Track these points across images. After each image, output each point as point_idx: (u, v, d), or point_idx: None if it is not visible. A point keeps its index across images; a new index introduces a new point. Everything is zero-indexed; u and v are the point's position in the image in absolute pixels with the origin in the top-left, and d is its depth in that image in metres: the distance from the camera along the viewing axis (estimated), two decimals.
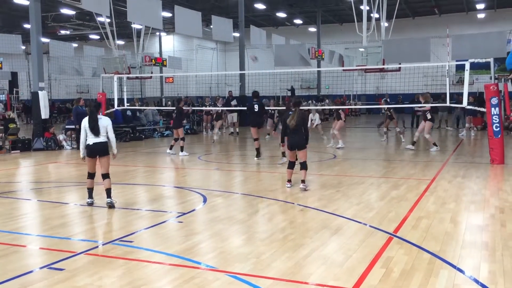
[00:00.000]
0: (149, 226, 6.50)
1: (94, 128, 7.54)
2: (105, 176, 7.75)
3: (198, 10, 22.00)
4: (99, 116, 7.67)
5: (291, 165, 9.04)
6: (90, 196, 7.88)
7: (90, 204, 7.76)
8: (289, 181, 9.04)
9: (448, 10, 36.28)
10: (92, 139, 7.60)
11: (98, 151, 7.64)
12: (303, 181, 8.76)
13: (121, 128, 19.72)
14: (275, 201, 7.97)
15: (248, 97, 26.55)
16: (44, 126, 16.62)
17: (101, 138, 7.63)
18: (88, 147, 7.64)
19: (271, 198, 8.19)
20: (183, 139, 14.32)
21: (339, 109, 16.83)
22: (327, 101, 33.91)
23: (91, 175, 7.83)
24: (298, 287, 4.33)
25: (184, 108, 15.33)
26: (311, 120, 16.32)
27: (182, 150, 14.20)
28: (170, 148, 14.58)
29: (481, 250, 5.31)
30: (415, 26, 36.83)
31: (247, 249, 5.44)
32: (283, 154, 11.44)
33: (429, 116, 14.42)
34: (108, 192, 7.68)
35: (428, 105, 14.66)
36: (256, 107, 13.05)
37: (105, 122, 7.68)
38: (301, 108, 9.29)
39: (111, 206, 7.57)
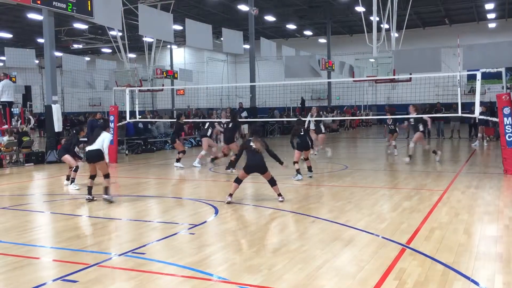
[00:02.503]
0: (161, 238, 6.53)
1: (89, 139, 9.29)
2: (104, 176, 9.11)
3: (209, 23, 22.20)
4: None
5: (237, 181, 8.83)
6: (89, 193, 9.21)
7: (89, 200, 9.11)
8: (231, 195, 8.77)
9: (459, 20, 36.20)
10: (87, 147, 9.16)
11: (89, 158, 9.11)
12: (279, 195, 8.79)
13: (133, 140, 19.87)
14: (286, 212, 7.96)
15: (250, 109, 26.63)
16: (57, 139, 16.78)
17: (94, 146, 9.03)
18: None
19: (283, 209, 8.17)
20: (183, 152, 14.45)
21: (320, 121, 16.01)
22: (335, 112, 33.89)
23: (91, 176, 9.27)
24: None
25: (184, 121, 15.69)
26: (308, 122, 15.19)
27: (178, 161, 14.17)
28: (177, 161, 14.23)
29: (496, 262, 5.25)
30: (425, 36, 36.78)
31: (259, 260, 5.43)
32: (298, 171, 11.27)
33: (421, 128, 14.06)
34: (105, 189, 9.01)
35: (426, 116, 14.50)
36: (230, 124, 13.87)
37: (103, 136, 9.15)
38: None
39: (108, 201, 8.92)
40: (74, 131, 11.63)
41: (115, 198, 9.62)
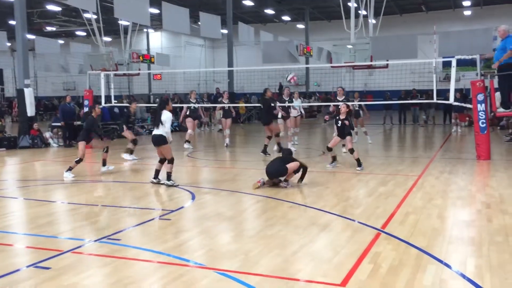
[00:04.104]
0: (137, 224, 6.47)
1: (154, 121, 9.28)
2: (167, 161, 9.09)
3: (186, 6, 21.87)
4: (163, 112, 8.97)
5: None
6: (155, 177, 9.27)
7: (155, 183, 9.18)
8: (286, 180, 8.82)
9: (435, 7, 36.48)
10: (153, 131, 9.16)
11: (153, 141, 9.11)
12: (285, 180, 8.73)
13: (108, 125, 19.57)
14: (263, 198, 7.97)
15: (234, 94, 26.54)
16: (30, 124, 16.44)
17: (158, 131, 8.98)
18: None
19: (260, 195, 8.18)
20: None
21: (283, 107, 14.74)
22: (313, 98, 33.97)
23: (160, 160, 9.25)
24: (287, 283, 4.33)
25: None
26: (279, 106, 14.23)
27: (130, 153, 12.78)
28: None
29: (468, 245, 5.36)
30: (402, 23, 36.99)
31: (236, 246, 5.43)
32: (334, 158, 11.01)
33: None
34: (167, 174, 9.01)
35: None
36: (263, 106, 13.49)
37: (164, 116, 8.96)
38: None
39: (169, 185, 8.92)
40: (88, 112, 11.23)
41: (90, 183, 9.50)
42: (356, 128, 15.42)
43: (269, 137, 13.12)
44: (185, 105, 15.95)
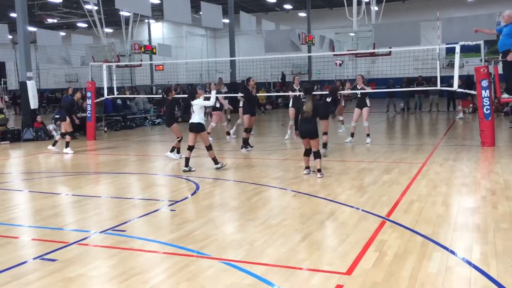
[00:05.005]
0: (142, 215, 6.48)
1: (185, 111, 9.22)
2: (206, 148, 9.58)
3: None
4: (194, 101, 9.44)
5: (306, 153, 8.86)
6: (186, 165, 9.48)
7: (187, 171, 9.37)
8: (307, 167, 8.89)
9: None
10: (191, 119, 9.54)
11: (192, 128, 9.49)
12: (319, 170, 8.60)
13: (111, 117, 19.59)
14: (267, 188, 7.97)
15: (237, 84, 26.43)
16: (33, 116, 16.46)
17: (195, 119, 9.43)
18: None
19: (264, 184, 8.18)
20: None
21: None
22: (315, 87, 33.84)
23: (189, 147, 9.54)
24: (292, 273, 4.33)
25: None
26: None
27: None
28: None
29: (473, 232, 5.35)
30: (405, 10, 36.70)
31: (241, 236, 5.44)
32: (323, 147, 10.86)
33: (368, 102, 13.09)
34: (213, 160, 9.53)
35: (369, 90, 13.26)
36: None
37: (196, 103, 9.43)
38: (313, 94, 9.08)
39: (219, 168, 9.47)
40: (164, 95, 11.13)
41: (94, 175, 9.53)
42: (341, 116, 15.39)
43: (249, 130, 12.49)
44: (220, 96, 15.33)
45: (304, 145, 8.89)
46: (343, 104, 15.90)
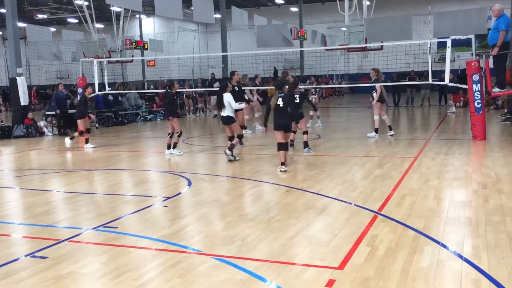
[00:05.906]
0: (134, 211, 6.45)
1: (218, 104, 10.02)
2: (230, 138, 10.07)
3: None
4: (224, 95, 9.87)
5: (281, 147, 8.74)
6: (232, 153, 9.89)
7: (232, 160, 9.80)
8: (283, 164, 8.73)
9: None
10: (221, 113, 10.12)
11: (223, 121, 10.17)
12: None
13: (103, 113, 19.47)
14: (260, 183, 7.96)
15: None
16: (23, 113, 16.33)
17: (225, 112, 9.94)
18: None
19: (256, 180, 8.17)
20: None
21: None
22: (308, 81, 33.85)
23: (229, 138, 10.07)
24: (285, 268, 4.33)
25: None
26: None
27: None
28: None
29: (465, 226, 5.37)
30: (397, 4, 36.72)
31: (233, 231, 5.43)
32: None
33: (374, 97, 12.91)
34: (230, 149, 9.83)
35: (378, 85, 12.81)
36: None
37: (226, 97, 9.87)
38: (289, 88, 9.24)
39: (228, 157, 9.79)
40: (167, 89, 11.13)
41: (86, 172, 9.48)
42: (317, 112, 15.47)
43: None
44: (254, 88, 15.30)
45: (277, 139, 8.78)
46: (317, 99, 16.04)
